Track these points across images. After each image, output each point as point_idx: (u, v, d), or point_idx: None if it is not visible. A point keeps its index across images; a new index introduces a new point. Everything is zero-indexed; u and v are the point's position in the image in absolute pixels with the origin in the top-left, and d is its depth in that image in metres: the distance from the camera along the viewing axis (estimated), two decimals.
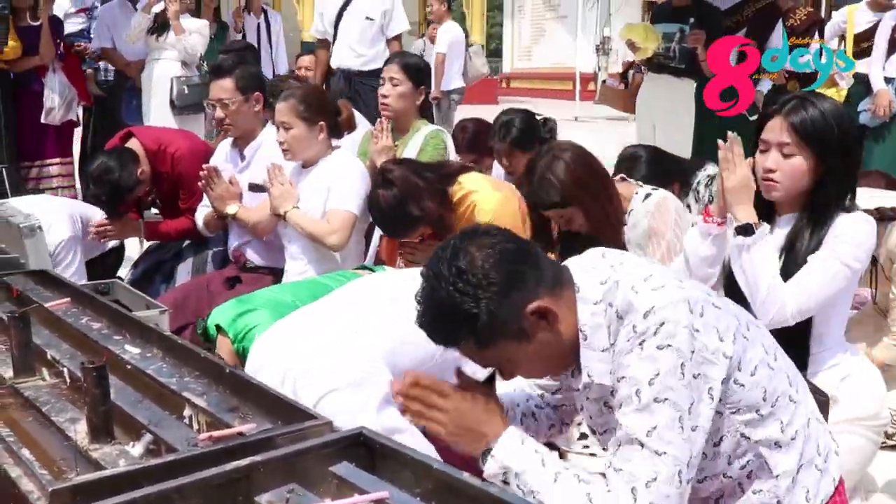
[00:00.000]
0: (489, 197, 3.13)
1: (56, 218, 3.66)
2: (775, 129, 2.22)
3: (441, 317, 1.54)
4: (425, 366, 2.04)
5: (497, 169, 4.17)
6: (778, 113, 2.22)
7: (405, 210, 2.97)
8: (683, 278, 1.65)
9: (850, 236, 2.17)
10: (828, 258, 2.16)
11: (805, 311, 2.16)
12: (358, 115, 4.16)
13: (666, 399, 1.45)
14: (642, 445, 1.46)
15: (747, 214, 2.19)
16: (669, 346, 1.46)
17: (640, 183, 2.95)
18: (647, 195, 2.84)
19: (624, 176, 3.03)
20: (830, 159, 2.19)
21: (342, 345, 2.09)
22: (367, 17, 5.69)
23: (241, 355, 2.54)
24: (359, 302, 2.28)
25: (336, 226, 3.25)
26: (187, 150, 3.89)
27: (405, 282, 2.31)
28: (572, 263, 1.66)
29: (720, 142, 2.26)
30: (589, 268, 1.63)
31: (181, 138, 4.04)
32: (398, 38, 5.85)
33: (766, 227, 2.20)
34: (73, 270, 3.67)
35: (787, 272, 2.20)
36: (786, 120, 2.20)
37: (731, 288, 2.30)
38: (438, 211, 3.02)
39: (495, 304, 1.50)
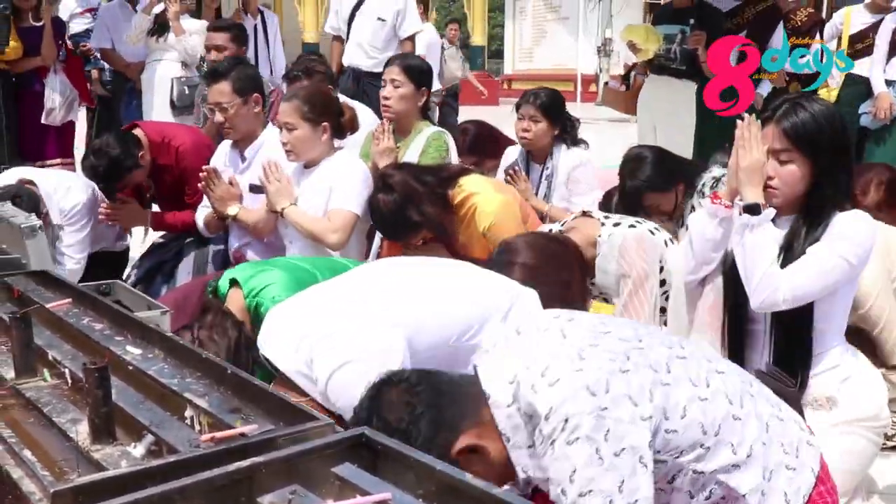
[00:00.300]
0: (491, 199, 3.14)
1: (76, 183, 3.78)
2: (769, 136, 2.24)
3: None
4: (439, 350, 2.08)
5: (500, 174, 4.19)
6: (770, 120, 2.24)
7: (405, 215, 2.98)
8: (589, 350, 1.58)
9: (849, 234, 2.18)
10: (825, 251, 2.18)
11: (798, 299, 2.17)
12: (367, 113, 4.17)
13: (590, 490, 1.45)
14: None
15: (756, 195, 2.22)
16: (578, 438, 1.46)
17: (603, 217, 2.93)
18: (611, 234, 2.84)
19: (587, 210, 3.02)
20: (824, 161, 2.20)
21: (363, 315, 2.10)
22: (380, 18, 5.69)
23: (252, 312, 2.54)
24: (383, 279, 2.30)
25: (337, 224, 3.25)
26: (191, 144, 3.91)
27: (429, 266, 2.32)
28: (483, 365, 1.65)
29: (738, 121, 2.29)
30: (497, 367, 1.61)
31: (185, 133, 4.07)
32: (412, 38, 5.85)
33: (772, 210, 2.23)
34: (79, 238, 3.75)
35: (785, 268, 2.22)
36: (778, 126, 2.22)
37: (728, 278, 2.31)
38: (439, 216, 3.03)
39: (428, 436, 1.52)
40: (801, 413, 1.92)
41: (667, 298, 2.93)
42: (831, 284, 2.19)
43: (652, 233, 2.92)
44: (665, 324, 2.94)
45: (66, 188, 3.79)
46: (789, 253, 2.23)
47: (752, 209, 2.20)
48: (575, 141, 4.07)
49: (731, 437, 1.59)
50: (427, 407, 1.55)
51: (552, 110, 3.97)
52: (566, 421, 1.47)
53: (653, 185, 3.39)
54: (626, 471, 1.47)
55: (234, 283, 2.65)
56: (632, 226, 2.91)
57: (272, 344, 2.17)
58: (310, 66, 4.47)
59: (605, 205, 3.56)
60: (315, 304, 2.22)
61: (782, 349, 2.25)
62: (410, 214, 2.97)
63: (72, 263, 3.84)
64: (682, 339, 1.80)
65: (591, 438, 1.46)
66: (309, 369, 2.05)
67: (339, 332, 2.06)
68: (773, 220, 2.30)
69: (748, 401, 1.66)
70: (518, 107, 4.06)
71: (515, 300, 2.26)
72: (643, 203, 3.41)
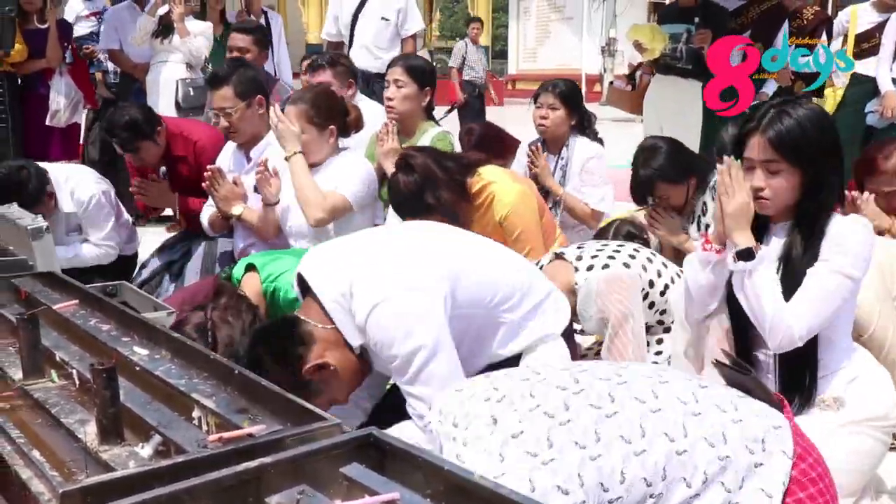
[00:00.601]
0: (508, 189, 3.17)
1: (88, 176, 3.90)
2: (755, 148, 2.20)
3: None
4: (476, 310, 2.12)
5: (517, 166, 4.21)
6: (756, 130, 2.20)
7: (421, 197, 2.99)
8: (511, 445, 1.55)
9: (847, 246, 2.15)
10: (827, 272, 2.14)
11: (813, 329, 2.15)
12: (377, 110, 4.17)
13: None
14: None
15: (746, 239, 2.17)
16: None
17: (575, 260, 2.90)
18: (586, 278, 2.82)
19: (559, 252, 3.00)
20: (814, 166, 2.17)
21: (410, 258, 2.13)
22: (383, 18, 5.70)
23: (269, 297, 2.55)
24: (431, 233, 2.36)
25: (328, 204, 3.24)
26: (209, 139, 3.97)
27: (475, 235, 2.43)
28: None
29: (718, 165, 2.25)
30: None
31: (203, 129, 4.14)
32: (414, 37, 5.85)
33: (766, 250, 2.19)
34: (108, 226, 3.94)
35: (786, 284, 2.18)
36: (763, 136, 2.18)
37: (733, 312, 2.29)
38: (454, 203, 3.04)
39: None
40: (766, 392, 1.88)
41: (663, 312, 2.92)
42: (839, 304, 2.16)
43: (626, 265, 2.86)
44: (659, 353, 2.93)
45: (77, 179, 3.88)
46: (788, 265, 2.20)
47: (745, 254, 2.16)
48: (593, 136, 4.10)
49: (681, 472, 1.58)
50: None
51: (570, 99, 4.01)
52: None
53: (665, 176, 3.36)
54: None
55: (249, 268, 2.66)
56: (605, 266, 2.86)
57: (314, 270, 2.17)
58: (334, 57, 4.48)
59: (601, 235, 3.51)
60: (363, 243, 2.24)
61: (787, 374, 2.23)
62: (426, 197, 2.98)
63: (109, 250, 4.03)
64: (623, 370, 1.75)
65: None
66: (347, 301, 2.05)
67: (383, 269, 2.08)
68: (769, 230, 2.28)
69: (693, 426, 1.64)
70: (536, 97, 4.09)
71: (553, 290, 2.32)
72: (654, 193, 3.38)
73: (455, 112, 11.32)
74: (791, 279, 2.18)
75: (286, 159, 3.31)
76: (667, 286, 2.89)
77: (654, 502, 1.56)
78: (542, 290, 2.28)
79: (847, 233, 2.16)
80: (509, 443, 1.55)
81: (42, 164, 3.89)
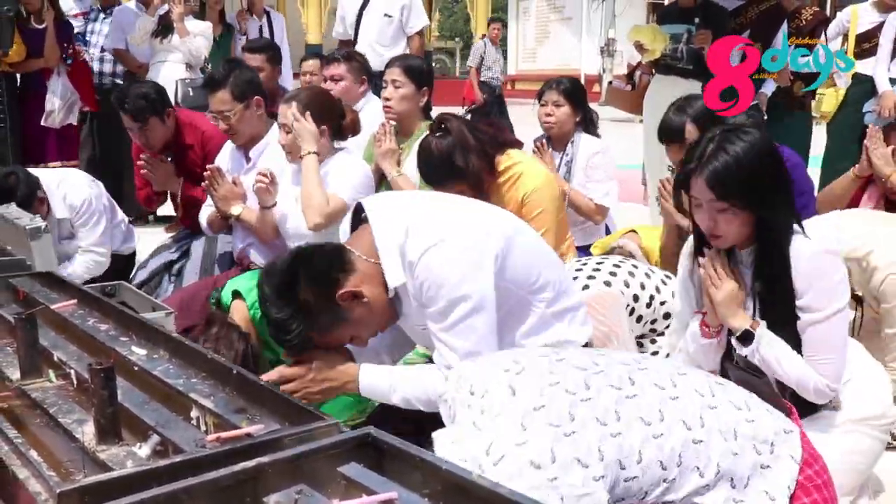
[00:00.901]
0: (536, 172, 3.24)
1: (80, 179, 3.88)
2: (697, 188, 2.14)
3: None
4: (515, 289, 2.12)
5: None
6: (695, 172, 2.13)
7: (451, 160, 3.00)
8: (533, 416, 1.56)
9: (826, 285, 2.11)
10: (826, 322, 2.11)
11: (840, 374, 2.14)
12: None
13: None
14: None
15: (742, 321, 2.17)
16: None
17: None
18: None
19: None
20: (760, 199, 2.10)
21: (469, 211, 2.21)
22: (386, 15, 5.69)
23: (257, 323, 2.53)
24: (484, 204, 2.44)
25: (328, 210, 3.24)
26: (216, 130, 3.96)
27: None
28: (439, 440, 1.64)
29: (700, 259, 2.23)
30: (452, 449, 1.59)
31: (211, 122, 4.12)
32: (420, 33, 5.84)
33: (762, 325, 2.16)
34: (99, 232, 3.92)
35: (766, 313, 2.17)
36: (701, 177, 2.11)
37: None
38: (481, 171, 3.07)
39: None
40: (774, 395, 1.89)
41: (654, 321, 2.90)
42: (846, 334, 2.16)
43: (608, 283, 2.84)
44: (655, 353, 2.91)
45: (70, 184, 3.85)
46: (763, 294, 2.17)
47: (745, 337, 2.15)
48: (594, 135, 4.11)
49: (695, 461, 1.59)
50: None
51: (574, 96, 4.02)
52: None
53: (697, 118, 3.32)
54: None
55: (237, 294, 2.65)
56: (585, 287, 2.82)
57: (375, 204, 2.19)
58: (351, 53, 4.49)
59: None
60: (427, 196, 2.33)
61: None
62: (457, 160, 2.99)
63: (98, 257, 3.98)
64: (642, 359, 1.76)
65: None
66: (400, 238, 2.07)
67: (444, 216, 2.12)
68: (735, 255, 2.23)
69: (710, 418, 1.65)
70: (540, 95, 4.09)
71: (584, 305, 2.32)
72: (682, 137, 3.34)
73: (471, 113, 11.25)
74: (771, 308, 2.16)
75: (300, 157, 3.31)
76: (652, 297, 2.87)
77: (666, 487, 1.57)
78: (576, 299, 2.29)
79: (820, 272, 2.10)
80: (531, 414, 1.55)
81: (35, 170, 3.88)
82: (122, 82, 6.48)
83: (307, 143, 3.26)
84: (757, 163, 2.09)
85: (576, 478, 1.47)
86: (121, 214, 4.22)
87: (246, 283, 2.64)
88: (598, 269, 2.91)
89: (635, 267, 2.96)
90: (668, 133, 3.43)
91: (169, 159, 4.07)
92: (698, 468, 1.59)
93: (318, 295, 1.98)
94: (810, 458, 1.71)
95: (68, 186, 3.84)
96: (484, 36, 12.09)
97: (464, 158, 3.01)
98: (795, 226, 2.14)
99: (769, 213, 2.11)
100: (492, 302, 2.04)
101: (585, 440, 1.52)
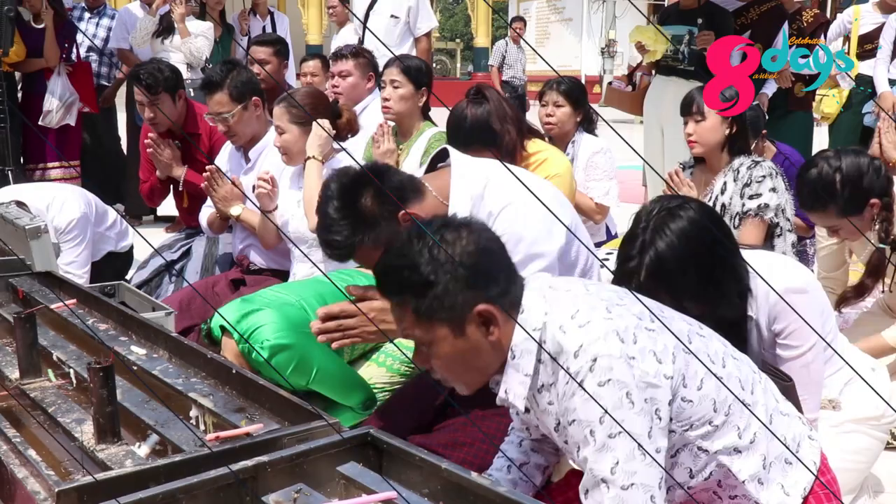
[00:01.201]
0: (560, 160, 3.36)
1: (71, 196, 3.75)
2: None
3: (401, 267, 1.55)
4: (559, 261, 2.19)
5: None
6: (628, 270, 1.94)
7: (489, 125, 3.05)
8: (617, 306, 1.56)
9: (789, 319, 2.03)
10: (802, 355, 2.05)
11: (819, 403, 2.13)
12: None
13: (620, 433, 1.45)
14: (608, 486, 1.46)
15: None
16: (609, 380, 1.45)
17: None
18: None
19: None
20: (697, 281, 1.90)
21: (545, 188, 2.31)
22: (393, 16, 5.68)
23: (247, 356, 2.53)
24: None
25: None
26: None
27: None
28: (529, 286, 1.64)
29: None
30: (539, 295, 1.61)
31: (210, 123, 4.12)
32: (428, 35, 5.83)
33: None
34: (77, 253, 3.73)
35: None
36: (642, 268, 1.91)
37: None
38: (516, 142, 3.13)
39: (453, 286, 1.51)
40: (798, 405, 1.91)
41: None
42: (823, 359, 2.13)
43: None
44: None
45: (60, 204, 3.68)
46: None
47: None
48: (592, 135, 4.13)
49: (738, 420, 1.59)
50: (486, 261, 1.56)
51: (574, 95, 4.02)
52: (594, 360, 1.46)
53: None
54: (651, 418, 1.48)
55: (224, 330, 2.64)
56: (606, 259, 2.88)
57: (462, 158, 2.25)
58: (359, 49, 4.49)
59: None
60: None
61: None
62: (493, 123, 3.03)
63: (75, 280, 3.82)
64: (700, 328, 1.75)
65: (622, 382, 1.45)
66: (479, 187, 2.14)
67: (527, 180, 2.16)
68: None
69: (758, 390, 1.66)
70: (541, 96, 4.09)
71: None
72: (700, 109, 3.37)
73: None
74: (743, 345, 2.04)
75: (305, 160, 3.30)
76: None
77: (708, 431, 1.56)
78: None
79: (788, 311, 2.00)
80: (614, 305, 1.56)
81: (25, 191, 3.78)
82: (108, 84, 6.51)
83: (312, 149, 3.26)
84: (697, 242, 1.90)
85: (650, 367, 1.48)
86: (113, 215, 4.17)
87: (231, 315, 2.61)
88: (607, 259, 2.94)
89: None
90: (687, 105, 3.46)
91: (177, 144, 4.08)
92: (739, 427, 1.59)
93: (382, 206, 2.00)
94: (824, 469, 1.72)
95: (57, 209, 3.68)
96: (504, 36, 12.15)
97: (501, 125, 3.05)
98: (758, 267, 1.99)
99: (717, 289, 1.92)
100: (556, 271, 2.14)
101: (663, 340, 1.53)
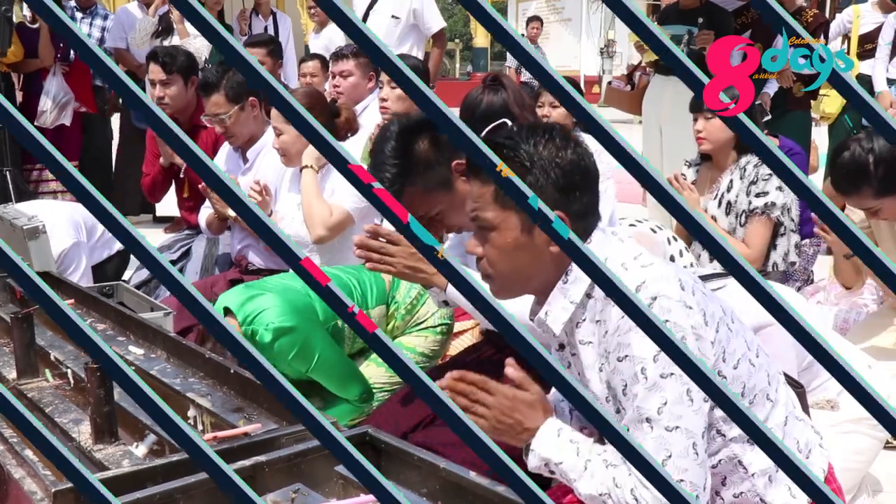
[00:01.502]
0: None
1: (59, 224, 3.65)
2: None
3: (501, 145, 1.56)
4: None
5: None
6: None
7: (507, 109, 3.03)
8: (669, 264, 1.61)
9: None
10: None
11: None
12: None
13: (672, 374, 1.43)
14: (652, 425, 1.45)
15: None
16: (666, 321, 1.44)
17: None
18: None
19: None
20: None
21: None
22: (394, 16, 5.67)
23: (250, 338, 2.52)
24: None
25: (332, 221, 3.22)
26: None
27: None
28: (599, 225, 1.66)
29: None
30: (605, 234, 1.62)
31: (207, 125, 4.12)
32: (441, 34, 5.83)
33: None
34: (79, 274, 3.69)
35: None
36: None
37: None
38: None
39: (543, 182, 1.52)
40: (807, 412, 1.91)
41: None
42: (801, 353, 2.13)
43: (653, 230, 2.89)
44: None
45: (49, 227, 3.52)
46: None
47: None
48: None
49: (759, 411, 1.58)
50: (575, 175, 1.57)
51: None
52: (655, 299, 1.45)
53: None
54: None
55: (227, 311, 2.63)
56: (631, 225, 2.88)
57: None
58: (360, 49, 4.49)
59: None
60: None
61: None
62: (512, 108, 3.03)
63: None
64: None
65: (679, 326, 1.44)
66: None
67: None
68: None
69: (781, 388, 1.66)
70: (537, 97, 4.09)
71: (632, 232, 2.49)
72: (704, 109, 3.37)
73: None
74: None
75: (301, 169, 3.30)
76: (673, 257, 2.89)
77: None
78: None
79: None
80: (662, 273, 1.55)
81: (25, 208, 3.73)
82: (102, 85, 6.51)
83: (306, 158, 3.25)
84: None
85: (699, 322, 1.47)
86: (101, 228, 4.15)
87: (235, 298, 2.60)
88: (640, 222, 2.95)
89: (675, 237, 2.96)
90: (696, 105, 3.45)
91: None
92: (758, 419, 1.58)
93: (438, 153, 2.01)
94: (830, 477, 1.72)
95: (49, 233, 3.59)
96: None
97: (521, 111, 3.05)
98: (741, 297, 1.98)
99: None
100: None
101: (711, 308, 1.52)
